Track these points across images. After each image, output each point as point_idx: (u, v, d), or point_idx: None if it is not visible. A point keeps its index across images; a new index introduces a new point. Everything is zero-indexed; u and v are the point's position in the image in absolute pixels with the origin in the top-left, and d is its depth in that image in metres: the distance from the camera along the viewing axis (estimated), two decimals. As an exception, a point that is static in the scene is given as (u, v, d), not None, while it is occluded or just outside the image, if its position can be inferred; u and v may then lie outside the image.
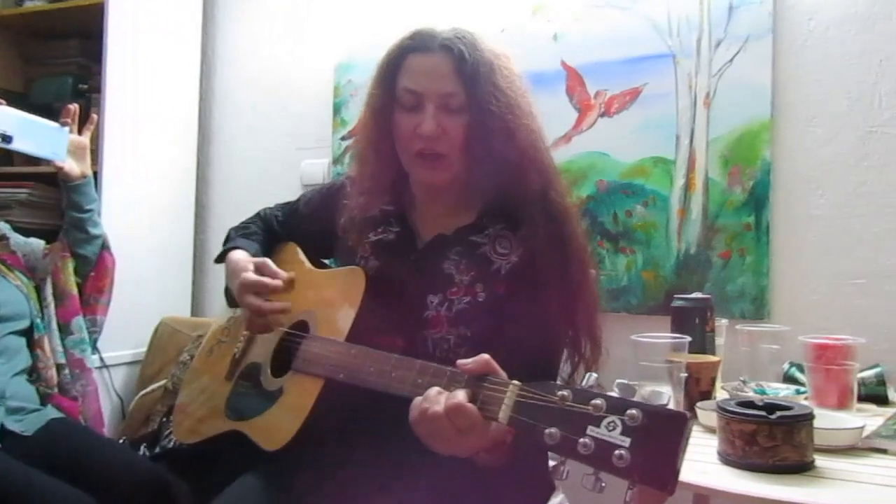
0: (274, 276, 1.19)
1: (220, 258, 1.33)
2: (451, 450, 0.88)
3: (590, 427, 0.70)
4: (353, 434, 1.07)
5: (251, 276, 1.19)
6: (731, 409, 0.99)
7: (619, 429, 0.68)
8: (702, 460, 1.00)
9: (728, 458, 0.98)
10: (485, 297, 1.13)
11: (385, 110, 1.17)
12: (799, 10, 1.78)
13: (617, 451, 0.67)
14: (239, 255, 1.28)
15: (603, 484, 0.71)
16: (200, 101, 2.53)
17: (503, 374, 0.90)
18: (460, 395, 0.86)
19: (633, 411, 0.68)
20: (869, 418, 1.20)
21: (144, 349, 2.22)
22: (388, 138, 1.19)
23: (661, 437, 0.66)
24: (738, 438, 0.97)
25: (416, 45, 1.15)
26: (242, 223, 1.43)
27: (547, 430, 0.73)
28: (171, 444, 1.83)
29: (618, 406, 0.70)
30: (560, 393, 0.75)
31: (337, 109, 2.33)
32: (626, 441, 0.67)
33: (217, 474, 1.13)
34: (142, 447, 1.93)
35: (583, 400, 0.73)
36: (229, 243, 1.35)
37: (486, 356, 0.90)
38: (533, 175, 1.15)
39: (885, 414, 1.27)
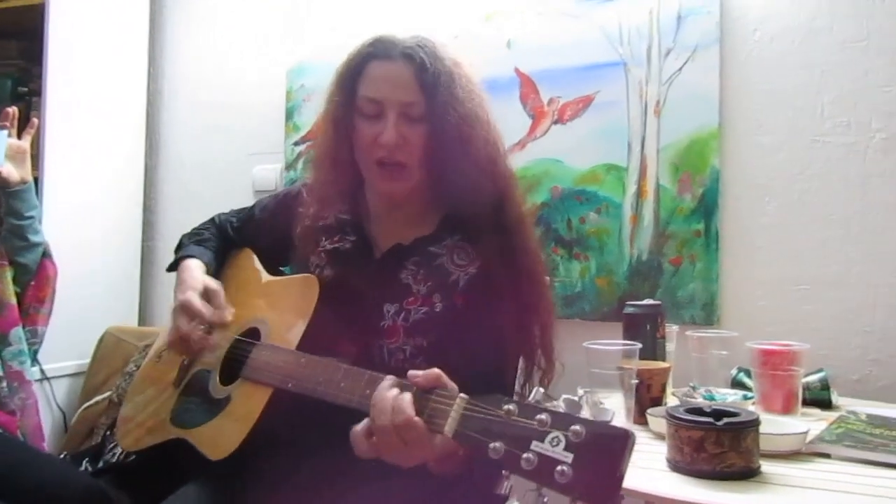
0: (219, 308, 1.17)
1: (173, 266, 1.29)
2: (398, 460, 0.87)
3: (534, 442, 0.69)
4: (302, 443, 1.05)
5: (195, 300, 1.16)
6: (679, 415, 0.99)
7: (562, 444, 0.68)
8: (651, 467, 1.01)
9: (677, 465, 0.99)
10: (442, 307, 1.12)
11: (345, 118, 1.16)
12: (744, 21, 1.81)
13: (559, 467, 0.66)
14: (193, 267, 1.24)
15: (545, 500, 0.70)
16: (148, 104, 2.47)
17: (454, 386, 0.89)
18: (407, 401, 0.85)
19: (577, 427, 0.67)
20: (813, 423, 1.23)
21: (88, 360, 2.15)
22: (346, 146, 1.17)
23: (604, 453, 0.66)
24: (687, 445, 0.97)
25: (376, 52, 1.14)
26: (195, 229, 1.40)
27: (491, 445, 0.73)
28: (115, 458, 1.76)
29: (562, 421, 0.70)
30: (506, 407, 0.75)
31: (289, 114, 2.30)
32: (569, 457, 0.66)
33: (161, 488, 1.09)
34: (84, 462, 1.86)
35: (528, 415, 0.73)
36: (182, 251, 1.31)
37: (437, 371, 0.89)
38: (488, 186, 1.15)
39: (828, 418, 1.29)
